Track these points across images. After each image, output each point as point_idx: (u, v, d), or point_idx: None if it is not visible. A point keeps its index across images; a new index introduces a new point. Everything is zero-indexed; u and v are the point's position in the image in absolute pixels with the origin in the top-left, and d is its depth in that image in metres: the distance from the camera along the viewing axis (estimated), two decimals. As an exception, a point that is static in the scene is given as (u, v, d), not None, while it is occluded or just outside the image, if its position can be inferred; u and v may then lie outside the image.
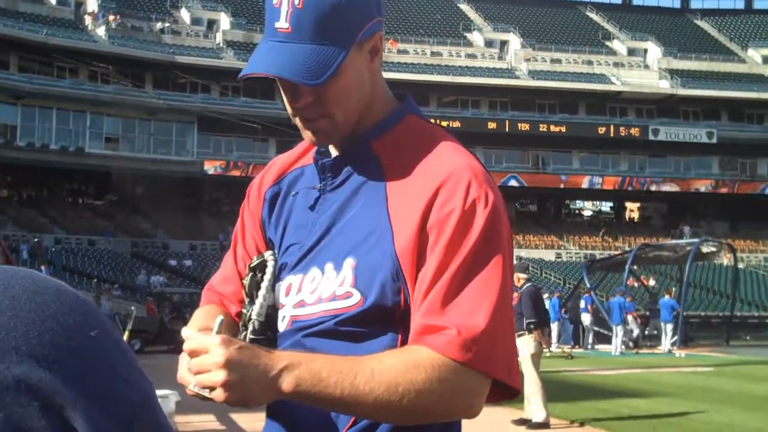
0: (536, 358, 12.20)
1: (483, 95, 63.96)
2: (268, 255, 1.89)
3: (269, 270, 1.86)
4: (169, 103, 56.10)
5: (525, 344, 12.11)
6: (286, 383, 1.56)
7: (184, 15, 63.48)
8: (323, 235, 1.80)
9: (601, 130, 63.85)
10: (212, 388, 1.56)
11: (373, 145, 1.80)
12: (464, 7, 73.87)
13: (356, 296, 1.71)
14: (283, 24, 1.70)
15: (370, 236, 1.73)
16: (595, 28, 73.30)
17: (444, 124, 60.90)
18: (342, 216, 1.78)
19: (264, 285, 1.84)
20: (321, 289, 1.76)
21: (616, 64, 68.18)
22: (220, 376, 1.54)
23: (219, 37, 62.16)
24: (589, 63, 67.63)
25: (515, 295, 12.43)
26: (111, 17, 58.37)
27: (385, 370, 1.59)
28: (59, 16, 57.39)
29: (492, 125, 62.83)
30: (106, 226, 53.13)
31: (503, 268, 1.68)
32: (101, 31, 56.79)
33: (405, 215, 1.70)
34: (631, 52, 70.41)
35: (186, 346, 1.61)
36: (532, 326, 12.16)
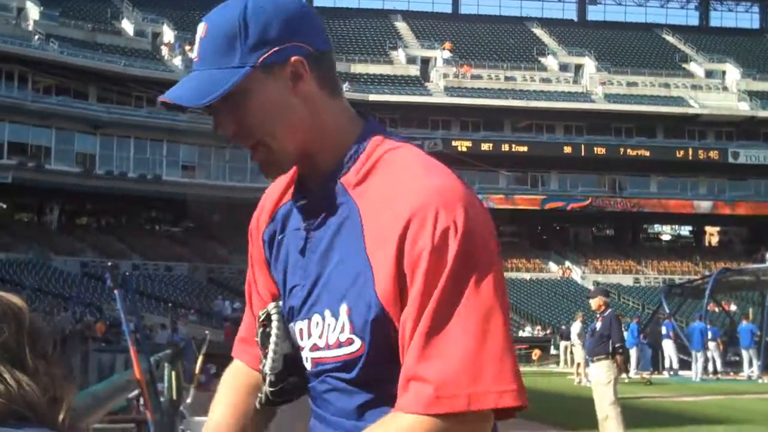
0: (615, 383, 11.91)
1: (558, 120, 63.43)
2: (271, 307, 1.92)
3: (275, 322, 1.89)
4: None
5: (605, 369, 11.87)
6: None
7: (259, 44, 64.02)
8: (317, 280, 1.80)
9: (680, 153, 62.87)
10: None
11: (342, 182, 1.78)
12: (538, 32, 73.52)
13: (357, 342, 1.73)
14: (195, 54, 1.77)
15: (356, 280, 1.71)
16: (672, 51, 72.33)
17: (519, 149, 60.65)
18: (329, 260, 1.78)
19: (272, 338, 1.88)
20: (327, 336, 1.78)
21: (693, 87, 67.13)
22: None
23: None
24: (666, 86, 66.68)
25: (598, 318, 12.21)
26: (187, 47, 59.14)
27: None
28: (137, 47, 58.43)
29: (567, 150, 62.23)
30: (183, 253, 53.67)
31: (482, 292, 1.64)
32: (177, 61, 57.63)
33: (381, 255, 1.68)
34: (709, 74, 69.29)
35: None
36: (620, 350, 12.01)
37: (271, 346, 1.87)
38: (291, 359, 1.86)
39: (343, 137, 1.80)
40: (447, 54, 66.40)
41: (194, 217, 57.28)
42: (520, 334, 48.09)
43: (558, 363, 37.72)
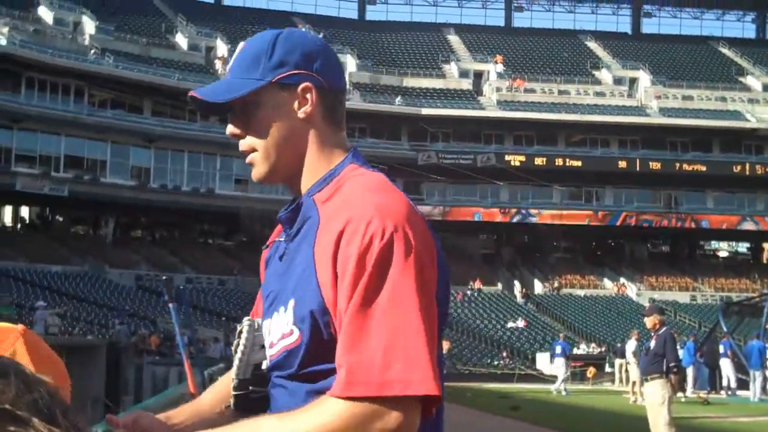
0: (669, 403, 11.74)
1: (612, 134, 62.77)
2: (244, 320, 2.12)
3: (243, 333, 2.08)
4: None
5: (659, 388, 11.75)
6: None
7: (312, 58, 64.27)
8: (283, 281, 2.01)
9: (737, 168, 61.96)
10: None
11: (314, 197, 2.01)
12: (592, 45, 72.98)
13: (296, 333, 1.92)
14: (229, 65, 2.10)
15: (302, 276, 1.93)
16: (728, 64, 71.36)
17: (573, 163, 60.14)
18: (292, 264, 2.00)
19: (239, 348, 2.07)
20: (277, 330, 1.98)
21: (750, 101, 66.12)
22: None
23: (346, 80, 62.67)
24: (723, 99, 65.78)
25: (652, 336, 12.01)
26: (241, 62, 59.50)
27: (303, 422, 1.77)
28: (190, 61, 58.89)
29: (622, 164, 61.58)
30: (236, 266, 53.84)
31: (400, 293, 1.79)
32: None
33: (324, 254, 1.88)
34: (766, 87, 68.21)
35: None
36: (675, 369, 11.85)
37: (237, 354, 2.07)
38: (260, 371, 2.05)
39: (328, 163, 2.06)
40: (500, 67, 66.11)
41: (246, 231, 57.41)
42: (575, 351, 47.55)
43: (613, 381, 37.26)
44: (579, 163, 61.08)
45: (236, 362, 2.07)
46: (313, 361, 1.91)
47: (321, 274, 1.88)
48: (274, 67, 2.02)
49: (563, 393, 30.88)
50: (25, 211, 57.51)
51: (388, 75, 64.49)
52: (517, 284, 60.20)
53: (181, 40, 60.87)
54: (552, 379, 36.04)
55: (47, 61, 50.29)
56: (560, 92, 64.98)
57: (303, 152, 2.05)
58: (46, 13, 55.97)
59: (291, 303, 1.94)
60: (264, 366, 2.05)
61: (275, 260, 2.12)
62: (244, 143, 2.06)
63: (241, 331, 2.09)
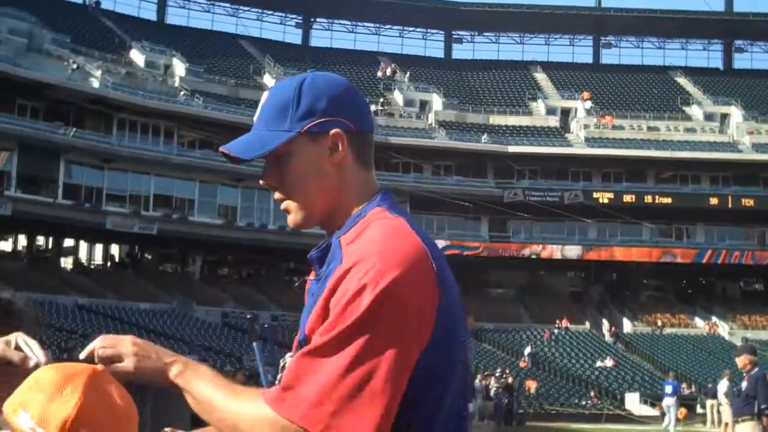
0: (760, 445, 11.34)
1: (703, 170, 61.54)
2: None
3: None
4: (382, 182, 55.19)
5: (749, 430, 11.28)
6: (173, 372, 1.96)
7: (397, 97, 64.64)
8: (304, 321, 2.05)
9: (833, 204, 60.22)
10: (120, 360, 1.96)
11: (341, 239, 2.03)
12: (682, 81, 71.95)
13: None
14: (256, 116, 2.12)
15: (309, 317, 1.99)
16: (824, 99, 69.67)
17: (662, 200, 59.15)
18: (313, 302, 2.02)
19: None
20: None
21: None
22: (128, 347, 1.97)
23: (431, 118, 62.89)
24: (817, 135, 64.16)
25: (744, 376, 11.69)
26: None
27: (233, 399, 1.91)
28: (279, 100, 59.50)
29: (713, 201, 60.32)
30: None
31: (370, 347, 1.84)
32: (318, 114, 58.39)
33: (324, 296, 1.93)
34: None
35: (103, 337, 2.01)
36: (767, 412, 11.34)
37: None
38: None
39: (358, 204, 2.09)
40: (588, 104, 65.50)
41: (333, 269, 57.63)
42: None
43: (705, 422, 36.31)
44: (669, 200, 60.03)
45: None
46: None
47: (311, 318, 1.97)
48: (303, 117, 2.06)
49: None
50: (115, 249, 58.53)
51: (474, 113, 64.38)
52: (605, 323, 59.17)
53: (269, 81, 61.54)
54: (640, 419, 35.40)
55: (138, 103, 51.39)
56: (649, 128, 64.04)
57: (336, 196, 2.09)
58: (137, 57, 57.30)
59: (296, 341, 2.05)
60: None
61: (308, 300, 2.15)
62: (279, 192, 2.11)
63: (283, 367, 2.12)
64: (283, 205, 2.12)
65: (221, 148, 2.11)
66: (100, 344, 1.99)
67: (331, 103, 2.07)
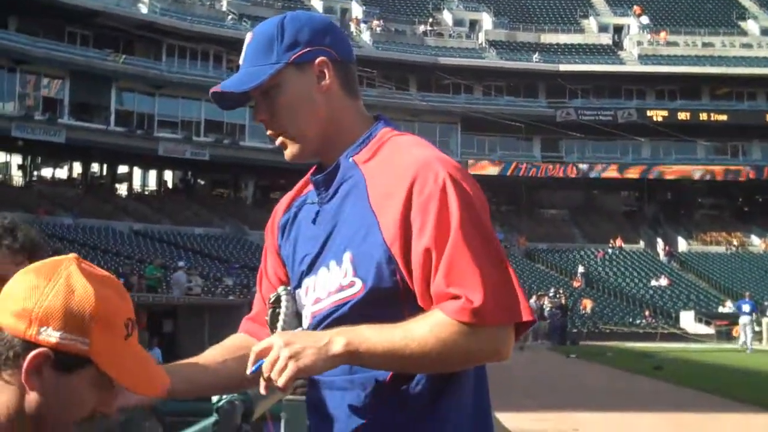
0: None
1: (759, 86, 60.26)
2: (281, 290, 2.17)
3: (284, 302, 2.13)
4: (433, 104, 56.51)
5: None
6: (338, 346, 1.92)
7: (447, 17, 63.81)
8: (326, 240, 2.11)
9: None
10: (284, 369, 1.91)
11: (353, 159, 2.12)
12: (738, -6, 70.19)
13: (358, 283, 2.02)
14: (241, 57, 2.18)
15: (359, 230, 2.04)
16: None
17: (718, 118, 58.16)
18: (337, 220, 2.10)
19: (281, 317, 2.12)
20: (329, 284, 2.08)
21: None
22: (285, 352, 1.91)
23: (481, 37, 62.07)
24: None
25: None
26: (375, 22, 59.46)
27: (415, 329, 1.92)
28: (327, 23, 58.97)
29: (770, 117, 59.13)
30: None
31: (485, 227, 1.99)
32: (366, 36, 57.94)
33: (387, 207, 2.00)
34: None
35: (254, 349, 1.97)
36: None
37: (280, 323, 2.11)
38: None
39: (357, 129, 2.17)
40: (644, 20, 64.09)
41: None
42: (720, 309, 46.18)
43: (761, 340, 36.11)
44: (725, 117, 58.98)
45: (278, 330, 2.11)
46: (372, 309, 2.00)
47: (385, 225, 2.00)
48: (288, 49, 2.12)
49: (748, 351, 31.36)
50: (168, 175, 58.89)
51: (524, 32, 63.40)
52: (659, 242, 58.63)
53: (317, 3, 60.89)
54: (695, 338, 35.28)
55: (186, 28, 51.37)
56: (704, 44, 62.63)
57: (328, 124, 2.15)
58: (184, -19, 56.92)
59: (347, 257, 2.04)
60: (306, 324, 2.15)
61: (303, 223, 2.22)
62: (273, 127, 2.16)
63: (277, 300, 2.14)
64: (278, 141, 2.18)
65: (211, 90, 2.16)
66: (264, 370, 1.94)
67: (314, 34, 2.15)
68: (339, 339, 1.93)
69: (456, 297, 1.92)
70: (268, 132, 2.16)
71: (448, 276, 1.93)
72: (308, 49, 2.13)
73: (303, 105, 2.13)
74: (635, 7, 65.36)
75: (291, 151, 2.17)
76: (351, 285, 2.03)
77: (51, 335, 1.58)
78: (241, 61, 2.17)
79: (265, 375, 1.93)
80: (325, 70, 2.13)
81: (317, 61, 2.12)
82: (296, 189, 2.34)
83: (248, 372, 1.98)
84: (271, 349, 1.93)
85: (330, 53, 2.14)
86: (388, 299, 2.00)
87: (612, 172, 59.33)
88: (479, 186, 2.05)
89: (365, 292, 2.01)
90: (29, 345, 1.59)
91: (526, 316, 1.95)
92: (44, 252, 2.59)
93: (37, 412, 1.61)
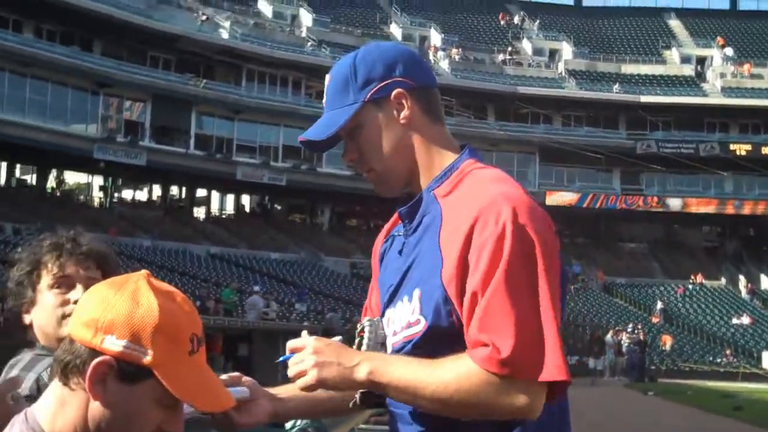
0: None
1: None
2: (365, 320, 2.20)
3: (366, 332, 2.16)
4: (511, 134, 56.20)
5: None
6: (362, 373, 1.98)
7: (526, 46, 63.58)
8: (405, 273, 2.14)
9: None
10: (304, 374, 2.01)
11: (434, 192, 2.13)
12: (826, 27, 68.75)
13: (422, 322, 2.06)
14: (324, 100, 2.23)
15: (428, 267, 2.05)
16: None
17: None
18: (416, 254, 2.12)
19: (363, 346, 2.14)
20: (402, 318, 2.12)
21: None
22: (311, 360, 2.00)
23: (561, 67, 61.68)
24: None
25: None
26: (453, 50, 59.42)
27: (442, 370, 1.94)
28: (407, 51, 59.15)
29: None
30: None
31: (537, 276, 1.93)
32: (445, 65, 57.92)
33: (451, 245, 2.00)
34: None
35: (289, 344, 2.06)
36: None
37: (363, 348, 2.14)
38: None
39: (442, 159, 2.16)
40: (729, 51, 63.07)
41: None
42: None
43: None
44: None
45: None
46: (433, 347, 2.00)
47: (446, 265, 2.00)
48: (362, 87, 2.14)
49: None
50: (245, 200, 59.36)
51: (605, 62, 62.83)
52: (742, 279, 57.40)
53: (396, 31, 61.29)
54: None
55: (266, 54, 51.92)
56: (791, 77, 61.41)
57: (414, 154, 2.16)
58: (265, 7, 57.64)
59: (417, 293, 2.07)
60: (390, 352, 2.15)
61: (392, 254, 2.24)
62: (361, 166, 2.20)
63: (362, 330, 2.16)
64: (369, 178, 2.21)
65: (299, 138, 2.23)
66: (290, 365, 2.06)
67: (387, 67, 2.15)
68: (365, 366, 1.98)
69: (486, 344, 1.92)
70: (360, 170, 2.22)
71: (482, 321, 1.92)
72: (382, 84, 2.14)
73: (386, 141, 2.15)
74: (718, 38, 64.39)
75: (381, 188, 2.22)
76: (417, 323, 2.08)
77: (114, 344, 1.63)
78: (324, 104, 2.21)
79: (289, 372, 2.04)
80: (403, 101, 2.14)
81: (393, 94, 2.14)
82: (393, 219, 2.35)
83: (276, 361, 2.10)
84: (303, 349, 2.03)
85: (405, 83, 2.15)
86: (446, 338, 2.01)
87: (693, 207, 58.31)
88: (551, 228, 2.02)
89: (425, 330, 2.05)
90: (94, 353, 1.63)
91: (560, 375, 1.90)
92: (115, 264, 2.73)
93: (101, 423, 1.65)
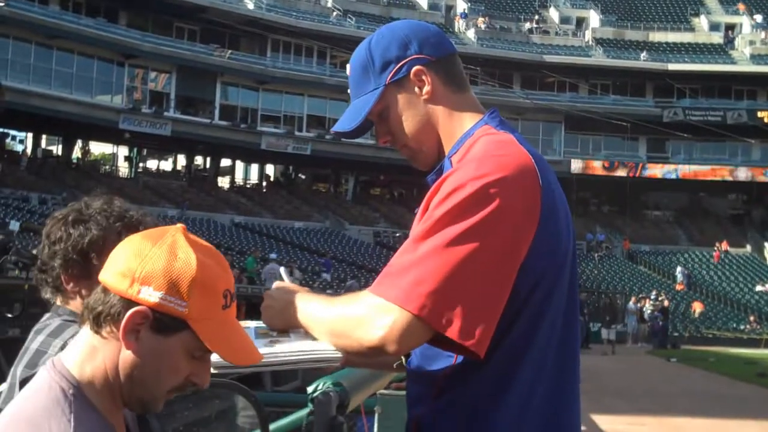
0: None
1: None
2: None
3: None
4: (537, 102, 55.96)
5: None
6: (293, 315, 2.09)
7: (553, 14, 63.13)
8: None
9: None
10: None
11: (452, 159, 2.16)
12: None
13: None
14: (349, 90, 2.28)
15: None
16: None
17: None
18: None
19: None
20: None
21: None
22: (263, 305, 2.16)
23: (588, 35, 61.22)
24: None
25: None
26: (480, 19, 59.14)
27: (338, 301, 2.06)
28: (430, 20, 58.85)
29: None
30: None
31: (462, 237, 1.92)
32: (471, 33, 57.68)
33: (422, 205, 2.07)
34: None
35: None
36: None
37: None
38: None
39: (462, 125, 2.19)
40: (759, 18, 62.36)
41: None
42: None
43: None
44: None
45: None
46: None
47: (416, 219, 2.08)
48: (381, 71, 2.19)
49: None
50: (270, 169, 59.54)
51: (633, 30, 62.28)
52: (767, 246, 57.10)
53: (422, 0, 60.96)
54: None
55: (291, 24, 51.84)
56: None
57: (441, 127, 2.20)
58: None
59: None
60: None
61: None
62: (396, 145, 2.26)
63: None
64: (406, 155, 2.27)
65: (332, 130, 2.34)
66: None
67: (401, 46, 2.19)
68: (291, 311, 2.10)
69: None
70: (397, 147, 2.26)
71: (392, 259, 2.00)
72: (400, 64, 2.18)
73: (412, 118, 2.19)
74: (740, 3, 63.65)
75: (418, 163, 2.26)
76: None
77: (152, 295, 1.65)
78: (349, 92, 2.27)
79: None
80: (423, 77, 2.18)
81: (413, 72, 2.17)
82: None
83: None
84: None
85: (423, 59, 2.18)
86: None
87: (719, 174, 57.99)
88: (527, 198, 1.98)
89: None
90: (130, 304, 1.66)
91: (411, 306, 1.90)
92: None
93: (132, 372, 1.69)
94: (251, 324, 2.17)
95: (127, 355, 1.68)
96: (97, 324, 1.69)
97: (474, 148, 2.09)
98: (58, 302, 2.55)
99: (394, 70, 2.18)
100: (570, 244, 2.09)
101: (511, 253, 1.94)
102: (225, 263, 1.76)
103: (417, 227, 1.99)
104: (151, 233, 1.75)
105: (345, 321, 1.99)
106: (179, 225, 1.78)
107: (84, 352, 1.72)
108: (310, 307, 2.07)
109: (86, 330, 1.73)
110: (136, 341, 1.67)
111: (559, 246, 2.04)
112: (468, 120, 2.19)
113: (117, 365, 1.69)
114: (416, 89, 2.18)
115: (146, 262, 1.67)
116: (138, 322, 1.65)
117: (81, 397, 1.68)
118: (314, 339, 2.06)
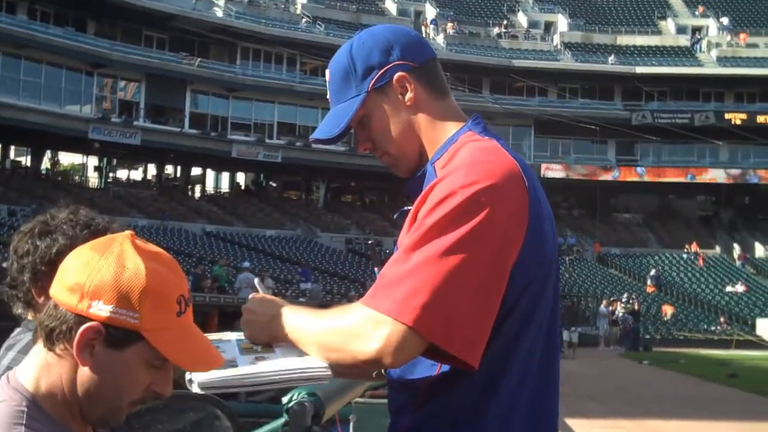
0: None
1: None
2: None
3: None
4: (506, 107, 56.13)
5: None
6: (279, 328, 2.04)
7: (521, 18, 63.45)
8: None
9: None
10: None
11: (435, 165, 2.12)
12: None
13: None
14: (328, 96, 2.23)
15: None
16: None
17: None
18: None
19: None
20: None
21: None
22: (242, 319, 2.10)
23: (556, 39, 61.56)
24: None
25: None
26: (448, 25, 59.33)
27: (329, 313, 2.00)
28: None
29: None
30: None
31: (453, 247, 1.89)
32: (440, 39, 57.84)
33: (411, 214, 2.03)
34: None
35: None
36: None
37: None
38: None
39: (446, 132, 2.16)
40: (725, 21, 62.87)
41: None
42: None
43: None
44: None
45: None
46: None
47: (404, 229, 2.04)
48: (363, 77, 2.15)
49: None
50: (241, 178, 59.40)
51: (600, 33, 62.68)
52: (736, 247, 57.59)
53: (391, 6, 61.16)
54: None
55: (261, 31, 51.79)
56: (785, 46, 61.30)
57: (423, 134, 2.17)
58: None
59: None
60: None
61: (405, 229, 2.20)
62: (377, 153, 2.22)
63: None
64: (385, 162, 2.23)
65: (312, 137, 2.28)
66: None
67: (383, 52, 2.15)
68: (277, 325, 2.04)
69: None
70: (376, 155, 2.23)
71: (382, 271, 1.98)
72: (382, 70, 2.15)
73: (394, 125, 2.16)
74: (700, 6, 64.20)
75: (399, 170, 2.22)
76: None
77: (102, 309, 1.61)
78: (329, 98, 2.22)
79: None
80: (406, 84, 2.15)
81: (395, 78, 2.14)
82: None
83: None
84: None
85: (405, 65, 2.15)
86: None
87: (688, 176, 58.42)
88: (514, 205, 1.96)
89: None
90: (81, 319, 1.62)
91: (402, 315, 1.87)
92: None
93: (89, 388, 1.65)
94: (232, 336, 2.11)
95: (83, 372, 1.64)
96: (50, 341, 1.65)
97: (459, 154, 2.05)
98: (29, 317, 2.52)
99: (377, 76, 2.14)
100: (555, 250, 2.08)
101: (502, 261, 1.92)
102: (177, 268, 1.72)
103: (407, 236, 1.95)
104: (98, 243, 1.70)
105: (337, 334, 1.95)
106: (127, 232, 1.73)
107: (38, 369, 1.67)
108: (298, 320, 2.02)
109: (39, 347, 1.68)
110: (91, 357, 1.63)
111: (545, 251, 2.03)
112: (451, 126, 2.16)
113: (74, 382, 1.65)
114: (399, 96, 2.15)
115: (94, 275, 1.62)
116: (91, 337, 1.61)
117: (36, 408, 1.64)
118: (301, 352, 2.01)
